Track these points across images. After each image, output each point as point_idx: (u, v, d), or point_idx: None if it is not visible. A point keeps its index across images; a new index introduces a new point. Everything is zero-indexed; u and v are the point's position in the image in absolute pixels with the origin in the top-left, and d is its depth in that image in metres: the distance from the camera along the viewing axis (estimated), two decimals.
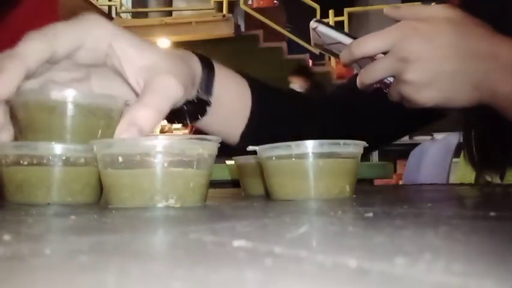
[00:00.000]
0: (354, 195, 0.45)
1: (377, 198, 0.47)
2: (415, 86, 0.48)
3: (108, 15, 5.10)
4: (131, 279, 0.13)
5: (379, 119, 0.68)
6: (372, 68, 0.50)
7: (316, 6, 5.32)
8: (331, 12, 5.21)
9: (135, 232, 0.24)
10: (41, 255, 0.17)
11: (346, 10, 5.26)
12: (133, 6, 6.20)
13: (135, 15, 6.12)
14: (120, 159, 0.37)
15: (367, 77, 0.51)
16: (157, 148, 0.36)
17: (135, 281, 0.13)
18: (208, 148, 0.39)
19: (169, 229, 0.25)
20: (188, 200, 0.37)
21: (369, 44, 0.49)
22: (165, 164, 0.36)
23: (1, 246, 0.18)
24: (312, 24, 0.54)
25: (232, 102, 0.56)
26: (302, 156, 0.43)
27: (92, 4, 4.57)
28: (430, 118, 0.71)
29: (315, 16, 5.26)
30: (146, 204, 0.36)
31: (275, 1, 6.17)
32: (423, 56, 0.47)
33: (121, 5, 5.43)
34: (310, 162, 0.43)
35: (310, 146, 0.43)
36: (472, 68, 0.47)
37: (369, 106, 0.67)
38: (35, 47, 0.38)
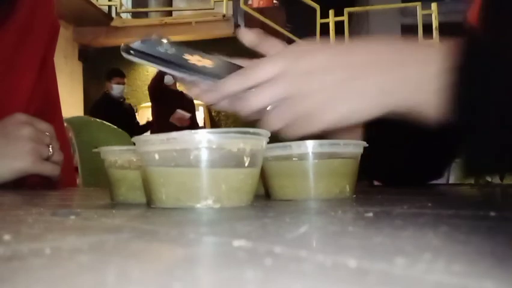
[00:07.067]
0: (354, 195, 0.45)
1: (377, 198, 0.47)
2: (320, 98, 0.43)
3: (108, 15, 5.10)
4: (131, 279, 0.13)
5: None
6: (263, 91, 0.44)
7: (317, 6, 5.32)
8: (331, 12, 5.20)
9: (135, 232, 0.24)
10: (41, 255, 0.17)
11: (346, 10, 5.26)
12: (133, 6, 6.20)
13: (135, 15, 6.11)
14: (156, 156, 0.35)
15: (255, 102, 0.44)
16: (196, 143, 0.34)
17: (135, 281, 0.13)
18: (251, 143, 0.35)
19: (169, 229, 0.25)
20: (228, 199, 0.35)
21: (264, 69, 0.44)
22: (204, 162, 0.34)
23: (1, 246, 0.18)
24: (124, 49, 0.44)
25: None
26: (302, 157, 0.43)
27: (92, 4, 4.57)
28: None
29: (315, 16, 5.25)
30: (184, 203, 0.34)
31: (275, 1, 6.15)
32: (328, 65, 0.43)
33: (121, 5, 5.42)
34: (310, 162, 0.43)
35: (310, 146, 0.43)
36: (378, 76, 0.43)
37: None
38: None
